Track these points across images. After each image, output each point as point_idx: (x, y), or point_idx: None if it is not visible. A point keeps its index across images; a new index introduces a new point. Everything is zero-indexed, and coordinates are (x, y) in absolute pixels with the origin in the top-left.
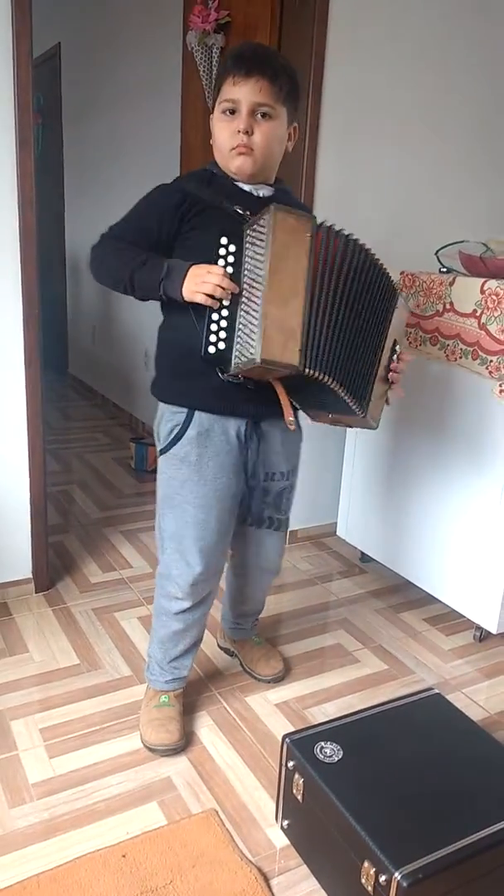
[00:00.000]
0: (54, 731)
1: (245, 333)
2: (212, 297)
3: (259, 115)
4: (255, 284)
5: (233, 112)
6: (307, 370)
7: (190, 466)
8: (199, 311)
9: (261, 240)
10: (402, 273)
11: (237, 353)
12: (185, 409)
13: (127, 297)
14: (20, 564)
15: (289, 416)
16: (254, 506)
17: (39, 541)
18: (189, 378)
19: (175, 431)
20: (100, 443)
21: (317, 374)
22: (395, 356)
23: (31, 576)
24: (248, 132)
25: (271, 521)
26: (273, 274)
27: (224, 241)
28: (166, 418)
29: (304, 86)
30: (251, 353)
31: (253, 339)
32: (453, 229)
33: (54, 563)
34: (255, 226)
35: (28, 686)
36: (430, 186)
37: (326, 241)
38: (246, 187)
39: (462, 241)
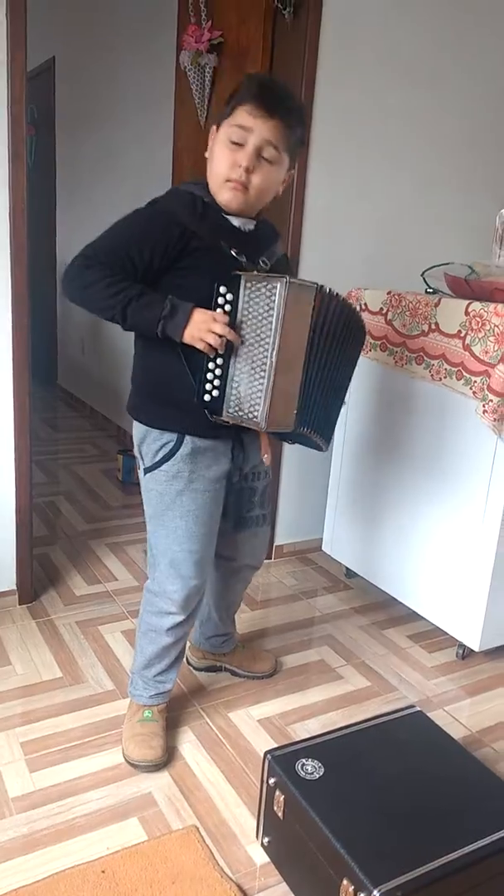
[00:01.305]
0: (35, 744)
1: (248, 392)
2: (210, 345)
3: (263, 157)
4: (258, 344)
5: (238, 144)
6: (300, 429)
7: (182, 481)
8: (191, 354)
9: (267, 304)
10: (388, 293)
11: (234, 405)
12: (176, 434)
13: None
14: (4, 576)
15: (265, 454)
16: (243, 509)
17: (24, 552)
18: (178, 407)
19: (166, 450)
20: (87, 454)
21: (306, 431)
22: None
23: (14, 587)
24: (250, 170)
25: (257, 519)
26: (283, 344)
27: (223, 290)
28: (153, 438)
29: None
30: (254, 416)
31: (257, 403)
32: (440, 250)
33: (39, 575)
34: (258, 284)
35: (10, 699)
36: (418, 208)
37: (326, 306)
38: (235, 222)
39: (448, 263)
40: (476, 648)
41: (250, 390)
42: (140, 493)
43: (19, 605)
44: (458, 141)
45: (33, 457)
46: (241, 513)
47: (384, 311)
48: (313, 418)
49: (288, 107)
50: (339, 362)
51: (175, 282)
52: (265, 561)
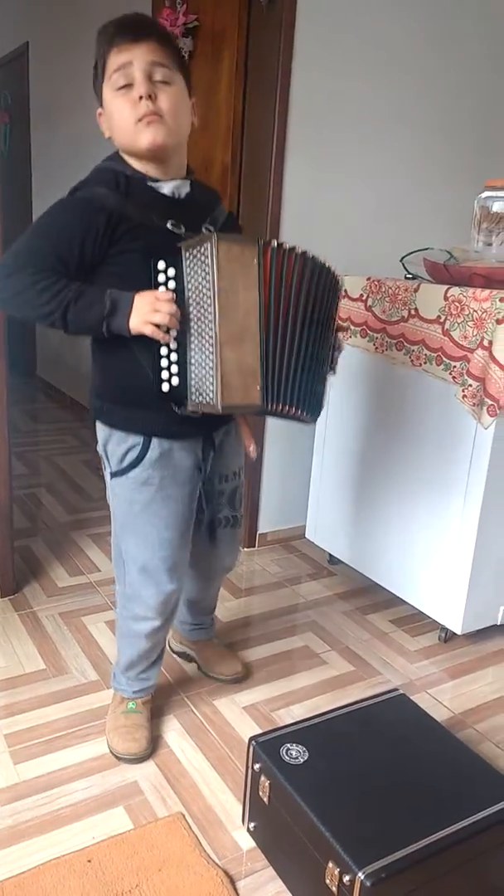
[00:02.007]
0: (19, 736)
1: (201, 374)
2: (160, 326)
3: (157, 80)
4: (203, 318)
5: (126, 85)
6: (270, 406)
7: (152, 488)
8: (144, 344)
9: (204, 269)
10: (368, 279)
11: (194, 390)
12: (142, 437)
13: None
14: None
15: (250, 446)
16: (211, 510)
17: (5, 544)
18: (143, 408)
19: (133, 455)
20: (68, 445)
21: (280, 407)
22: (335, 349)
23: None
24: (153, 97)
25: (228, 521)
26: (223, 312)
27: (161, 265)
28: (117, 440)
29: (271, 92)
30: (210, 398)
31: (210, 384)
32: (419, 236)
33: (21, 567)
34: (194, 249)
35: None
36: (397, 194)
37: (278, 262)
38: (166, 189)
39: (427, 249)
40: (458, 632)
41: (202, 370)
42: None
43: (1, 597)
44: (436, 126)
45: (13, 448)
46: (211, 514)
47: (364, 298)
48: (287, 393)
49: (150, 26)
50: (311, 327)
51: (111, 270)
52: (248, 549)
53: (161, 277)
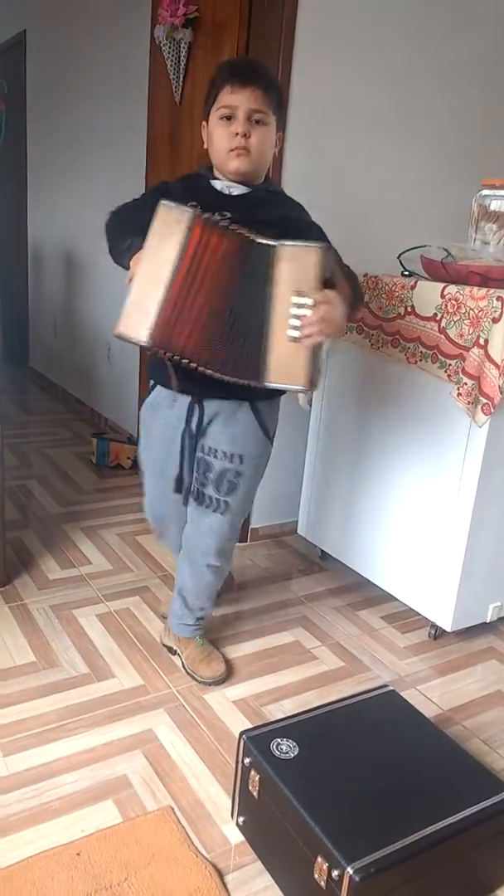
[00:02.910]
0: (9, 729)
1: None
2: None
3: (254, 121)
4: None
5: (229, 118)
6: (161, 352)
7: (144, 434)
8: None
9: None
10: (364, 275)
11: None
12: (151, 381)
13: (90, 291)
14: None
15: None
16: (195, 479)
17: None
18: (152, 358)
19: (146, 395)
20: (60, 437)
21: (170, 355)
22: (301, 306)
23: None
24: (247, 135)
25: (210, 501)
26: (146, 258)
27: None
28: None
29: None
30: (115, 325)
31: (120, 314)
32: (417, 233)
33: (11, 560)
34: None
35: None
36: (396, 189)
37: (203, 233)
38: (217, 185)
39: (424, 246)
40: (448, 629)
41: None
42: (113, 477)
43: None
44: (436, 123)
45: (4, 440)
46: (192, 479)
47: None
48: (187, 346)
49: (258, 74)
50: (228, 292)
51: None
52: (240, 544)
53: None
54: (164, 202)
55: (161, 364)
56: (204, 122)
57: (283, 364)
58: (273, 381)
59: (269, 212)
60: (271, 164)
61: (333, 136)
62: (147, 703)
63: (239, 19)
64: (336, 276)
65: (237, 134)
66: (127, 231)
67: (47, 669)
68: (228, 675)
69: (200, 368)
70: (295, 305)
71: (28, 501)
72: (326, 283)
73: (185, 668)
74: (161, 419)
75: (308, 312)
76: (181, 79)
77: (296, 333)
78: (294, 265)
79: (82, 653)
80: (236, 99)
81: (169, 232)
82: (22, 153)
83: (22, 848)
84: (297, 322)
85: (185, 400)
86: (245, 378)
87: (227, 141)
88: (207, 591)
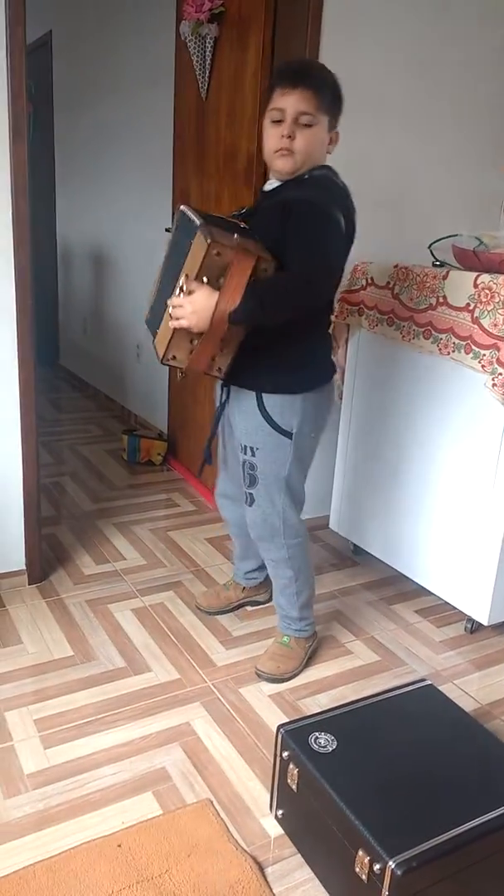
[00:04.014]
0: (49, 721)
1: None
2: None
3: (301, 123)
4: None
5: (279, 121)
6: (148, 328)
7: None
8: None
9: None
10: (395, 266)
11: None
12: None
13: (119, 289)
14: (13, 556)
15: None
16: (237, 455)
17: (32, 532)
18: None
19: None
20: (92, 434)
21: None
22: (181, 290)
23: (24, 567)
24: (292, 136)
25: (243, 493)
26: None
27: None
28: None
29: None
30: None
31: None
32: (447, 223)
33: (47, 555)
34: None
35: (22, 677)
36: (424, 180)
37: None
38: (266, 186)
39: (455, 235)
40: (485, 622)
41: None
42: (145, 473)
43: (29, 584)
44: (464, 111)
45: (38, 438)
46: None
47: (391, 285)
48: (150, 316)
49: (308, 76)
50: (168, 261)
51: None
52: None
53: None
54: (183, 206)
55: None
56: (261, 120)
57: (160, 336)
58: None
59: (279, 196)
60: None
61: (363, 127)
62: (183, 697)
63: (265, 13)
64: (231, 272)
65: (283, 136)
66: None
67: (85, 663)
68: (293, 676)
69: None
70: (178, 288)
71: (62, 498)
72: (218, 273)
73: (254, 601)
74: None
75: (180, 297)
76: (207, 74)
77: (169, 310)
78: (194, 248)
79: (118, 647)
80: (285, 101)
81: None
82: (50, 153)
83: (64, 839)
84: (173, 301)
85: (221, 383)
86: (152, 333)
87: (274, 142)
88: (279, 587)
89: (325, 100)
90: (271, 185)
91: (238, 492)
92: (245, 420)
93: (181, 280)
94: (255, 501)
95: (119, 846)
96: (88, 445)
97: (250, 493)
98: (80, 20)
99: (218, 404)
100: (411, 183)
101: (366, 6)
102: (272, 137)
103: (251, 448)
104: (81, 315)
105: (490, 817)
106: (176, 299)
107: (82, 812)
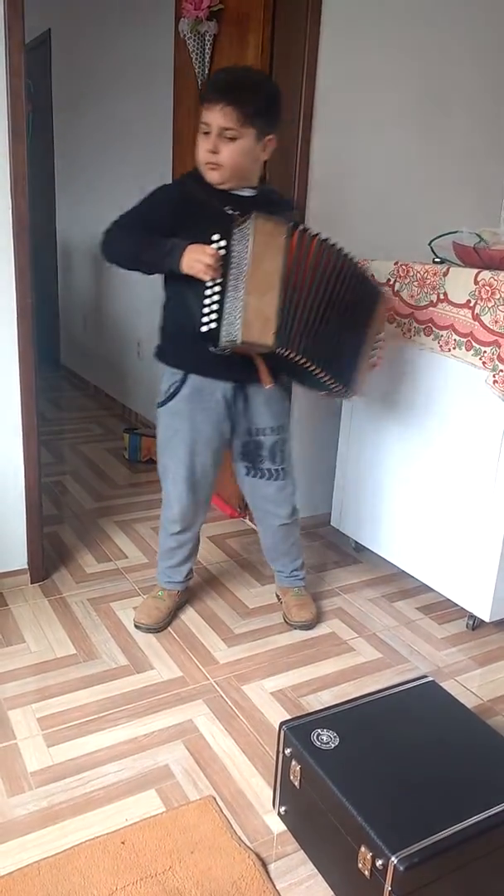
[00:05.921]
0: (52, 720)
1: (231, 317)
2: (205, 267)
3: (226, 137)
4: (240, 276)
5: (207, 133)
6: (279, 350)
7: (182, 418)
8: (196, 292)
9: (245, 240)
10: (395, 263)
11: (224, 332)
12: (181, 372)
13: (119, 288)
14: (15, 555)
15: (266, 383)
16: (255, 459)
17: (34, 531)
18: (185, 347)
19: (172, 389)
20: (93, 433)
21: (291, 353)
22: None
23: (26, 566)
24: (216, 151)
25: (271, 473)
26: (253, 270)
27: (216, 237)
28: (166, 377)
29: (296, 75)
30: (235, 334)
31: (237, 323)
32: (447, 219)
33: (49, 554)
34: (241, 227)
35: (25, 676)
36: (424, 176)
37: (301, 242)
38: (243, 193)
39: (455, 232)
40: (486, 619)
41: (233, 315)
42: (146, 471)
43: (31, 583)
44: (465, 108)
45: (40, 437)
46: (252, 461)
47: (391, 283)
48: (300, 345)
49: (232, 90)
50: (332, 300)
51: (182, 237)
52: None
53: (214, 246)
54: (257, 214)
55: (192, 352)
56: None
57: (363, 383)
58: (347, 391)
59: (280, 214)
60: (262, 167)
61: (362, 124)
62: (186, 695)
63: (263, 10)
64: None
65: (208, 150)
66: (153, 237)
67: (87, 661)
68: (316, 622)
69: (311, 367)
70: (376, 338)
71: (63, 497)
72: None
73: (284, 618)
74: (203, 403)
75: (380, 349)
76: (207, 72)
77: (374, 360)
78: (379, 310)
79: (121, 645)
80: (210, 116)
81: (269, 242)
82: (49, 151)
83: (68, 836)
84: (374, 351)
85: (225, 386)
86: (340, 382)
87: (202, 154)
88: (292, 543)
89: (248, 113)
90: (245, 191)
91: (207, 480)
92: (274, 406)
93: (380, 336)
94: (287, 473)
95: (122, 843)
96: (89, 444)
97: (283, 468)
98: (79, 19)
99: (229, 409)
100: (411, 180)
101: (367, 4)
102: (201, 149)
103: (281, 427)
104: (81, 314)
105: (492, 813)
106: (379, 349)
107: (86, 810)
